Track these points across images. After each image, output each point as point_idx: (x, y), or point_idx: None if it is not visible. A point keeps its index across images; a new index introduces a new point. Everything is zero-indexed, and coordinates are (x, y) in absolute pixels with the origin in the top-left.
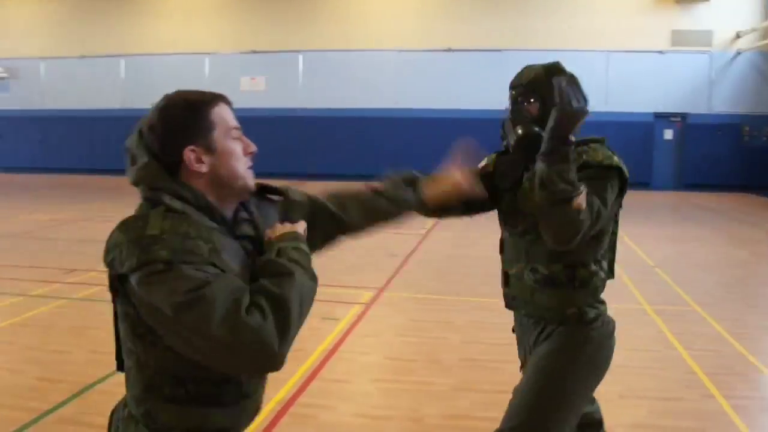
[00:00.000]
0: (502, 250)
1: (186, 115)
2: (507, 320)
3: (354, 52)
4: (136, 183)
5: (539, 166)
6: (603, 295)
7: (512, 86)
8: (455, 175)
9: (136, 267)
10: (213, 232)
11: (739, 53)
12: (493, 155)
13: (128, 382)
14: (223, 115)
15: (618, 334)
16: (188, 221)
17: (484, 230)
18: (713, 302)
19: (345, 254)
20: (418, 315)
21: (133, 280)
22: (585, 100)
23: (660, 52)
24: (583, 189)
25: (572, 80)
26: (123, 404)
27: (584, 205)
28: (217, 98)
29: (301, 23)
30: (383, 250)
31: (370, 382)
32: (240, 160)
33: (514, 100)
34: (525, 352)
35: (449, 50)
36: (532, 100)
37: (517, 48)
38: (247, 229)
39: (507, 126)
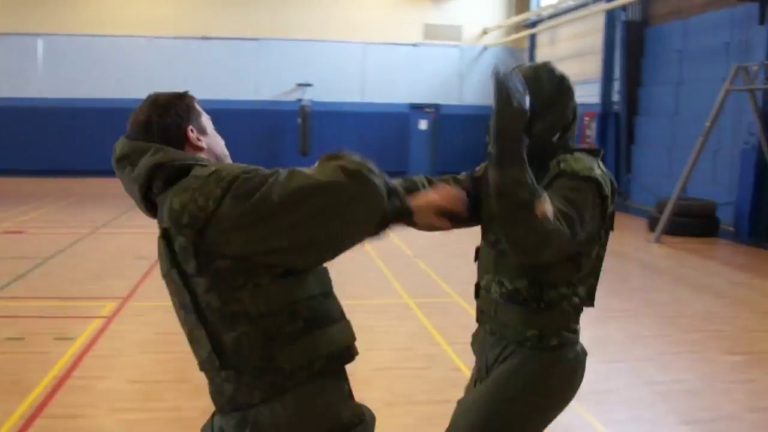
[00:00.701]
0: (476, 259)
1: (178, 103)
2: None
3: (102, 38)
4: (157, 165)
5: (491, 174)
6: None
7: None
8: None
9: (227, 187)
10: None
11: (486, 48)
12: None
13: (238, 362)
14: (200, 106)
15: (381, 333)
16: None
17: None
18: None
19: (83, 260)
20: (167, 326)
21: (227, 205)
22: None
23: (414, 44)
24: (545, 196)
25: (562, 83)
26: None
27: (550, 214)
28: (191, 95)
29: (40, 4)
30: (130, 253)
31: (109, 414)
32: (222, 142)
33: None
34: (480, 370)
35: (205, 38)
36: None
37: (275, 37)
38: None
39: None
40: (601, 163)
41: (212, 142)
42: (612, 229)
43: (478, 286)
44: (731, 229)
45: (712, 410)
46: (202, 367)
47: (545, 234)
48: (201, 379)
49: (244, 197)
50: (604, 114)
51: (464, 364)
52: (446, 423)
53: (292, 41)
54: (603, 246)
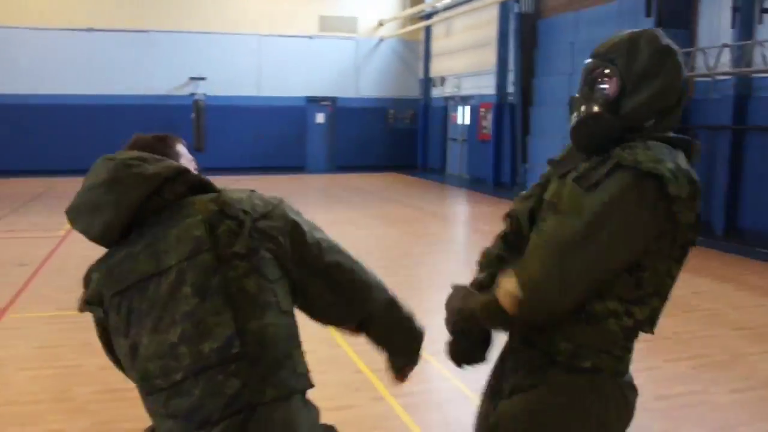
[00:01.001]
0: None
1: (156, 146)
2: None
3: None
4: (183, 170)
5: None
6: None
7: (590, 56)
8: None
9: (281, 199)
10: None
11: (382, 40)
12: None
13: (258, 351)
14: (184, 148)
15: None
16: None
17: None
18: None
19: None
20: (49, 339)
21: (281, 209)
22: None
23: (309, 37)
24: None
25: (666, 56)
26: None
27: (512, 289)
28: (173, 137)
29: None
30: (10, 260)
31: None
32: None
33: (587, 74)
34: (498, 380)
35: (90, 30)
36: (608, 75)
37: (167, 29)
38: None
39: (573, 105)
40: (682, 157)
41: None
42: (693, 243)
43: None
44: None
45: None
46: (197, 365)
47: (532, 299)
48: (84, 396)
49: (296, 212)
50: (500, 105)
51: (366, 366)
52: (348, 430)
53: (184, 33)
54: (678, 262)
